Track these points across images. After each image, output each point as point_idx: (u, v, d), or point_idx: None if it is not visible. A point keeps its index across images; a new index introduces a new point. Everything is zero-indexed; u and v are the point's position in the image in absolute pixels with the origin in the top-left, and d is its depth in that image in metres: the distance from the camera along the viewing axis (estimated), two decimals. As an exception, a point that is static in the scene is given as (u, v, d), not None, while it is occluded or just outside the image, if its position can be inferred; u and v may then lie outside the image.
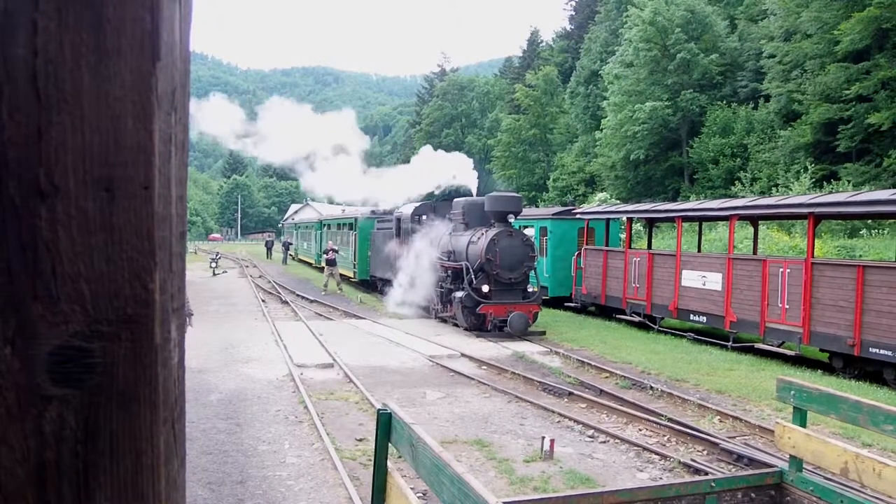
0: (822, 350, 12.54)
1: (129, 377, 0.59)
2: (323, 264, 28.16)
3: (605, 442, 8.42)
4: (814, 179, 29.15)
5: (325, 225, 38.28)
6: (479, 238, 16.57)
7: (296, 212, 73.93)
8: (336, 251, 26.75)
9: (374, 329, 17.05)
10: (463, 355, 13.51)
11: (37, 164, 0.55)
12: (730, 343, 14.23)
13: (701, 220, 18.74)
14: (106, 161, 0.57)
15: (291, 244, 50.67)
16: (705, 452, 7.92)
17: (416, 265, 19.22)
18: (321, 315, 19.96)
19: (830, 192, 21.28)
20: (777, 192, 28.99)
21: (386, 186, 23.53)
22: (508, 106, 64.71)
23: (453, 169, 21.26)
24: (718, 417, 9.23)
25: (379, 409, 2.92)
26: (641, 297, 17.28)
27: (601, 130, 44.35)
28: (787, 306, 12.89)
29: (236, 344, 14.55)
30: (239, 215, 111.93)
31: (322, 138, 23.36)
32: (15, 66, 0.54)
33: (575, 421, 9.12)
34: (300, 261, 47.12)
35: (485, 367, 12.61)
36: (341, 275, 27.36)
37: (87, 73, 0.56)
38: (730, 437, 8.31)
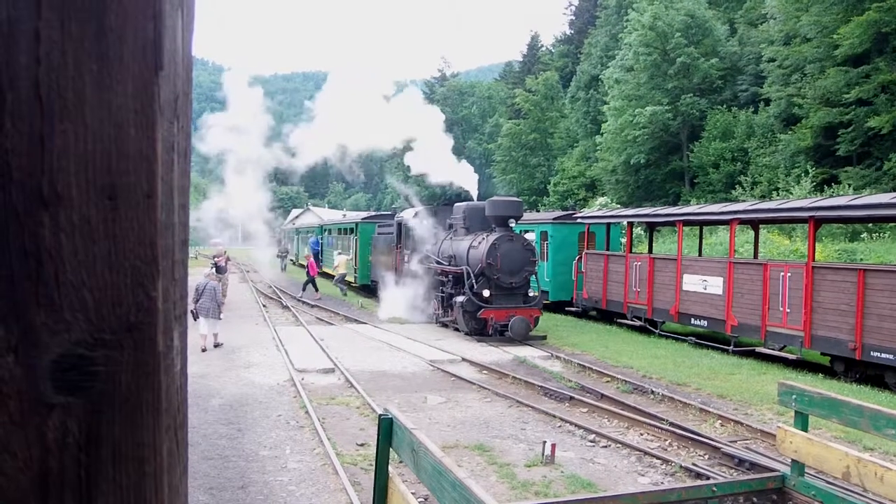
0: (823, 354, 12.52)
1: (132, 385, 0.59)
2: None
3: (606, 446, 8.40)
4: (814, 183, 29.18)
5: (325, 230, 38.32)
6: (479, 243, 16.56)
7: (296, 217, 73.77)
8: (229, 259, 24.55)
9: (375, 334, 17.03)
10: (464, 360, 13.50)
11: (39, 172, 0.55)
12: (731, 347, 14.21)
13: (702, 224, 18.76)
14: (109, 169, 0.57)
15: (288, 252, 50.18)
16: (707, 457, 7.91)
17: (417, 270, 19.23)
18: (322, 320, 19.95)
19: (831, 196, 21.25)
20: (778, 195, 29.03)
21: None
22: (509, 111, 64.73)
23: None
24: (720, 422, 9.22)
25: (380, 414, 2.92)
26: (642, 302, 17.26)
27: (602, 135, 44.39)
28: (788, 310, 12.88)
29: (237, 349, 14.54)
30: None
31: None
32: (17, 75, 0.54)
33: (576, 425, 9.10)
34: (301, 266, 47.03)
35: (486, 372, 12.59)
36: (347, 281, 27.14)
37: (90, 81, 0.56)
38: (731, 442, 8.29)
